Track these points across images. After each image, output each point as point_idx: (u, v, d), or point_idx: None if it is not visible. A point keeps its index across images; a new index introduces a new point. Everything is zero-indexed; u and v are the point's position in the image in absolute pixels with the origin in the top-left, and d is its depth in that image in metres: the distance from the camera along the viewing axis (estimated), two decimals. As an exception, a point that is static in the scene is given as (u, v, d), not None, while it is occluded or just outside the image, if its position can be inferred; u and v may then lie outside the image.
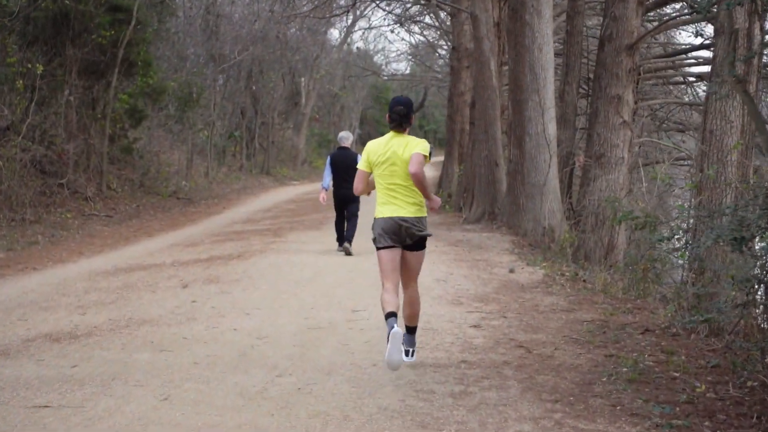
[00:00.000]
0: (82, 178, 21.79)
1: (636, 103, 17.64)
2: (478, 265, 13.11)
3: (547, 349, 7.70)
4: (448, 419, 5.72)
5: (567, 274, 12.27)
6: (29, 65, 19.85)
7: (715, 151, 12.48)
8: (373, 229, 7.07)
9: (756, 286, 6.90)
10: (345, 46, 53.69)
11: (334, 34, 57.75)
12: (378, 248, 7.04)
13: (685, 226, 11.30)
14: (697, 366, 7.06)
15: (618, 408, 5.95)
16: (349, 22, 47.38)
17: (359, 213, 14.62)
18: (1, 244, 15.31)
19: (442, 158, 33.94)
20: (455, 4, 25.03)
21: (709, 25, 18.06)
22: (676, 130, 25.01)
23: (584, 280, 11.75)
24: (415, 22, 39.34)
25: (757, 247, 7.58)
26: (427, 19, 38.43)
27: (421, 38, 47.48)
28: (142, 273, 12.48)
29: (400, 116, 7.04)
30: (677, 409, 5.92)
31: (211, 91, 33.66)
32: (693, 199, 12.85)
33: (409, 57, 58.12)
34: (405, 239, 6.97)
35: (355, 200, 14.48)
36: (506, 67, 20.84)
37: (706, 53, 21.59)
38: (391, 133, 7.12)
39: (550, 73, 17.65)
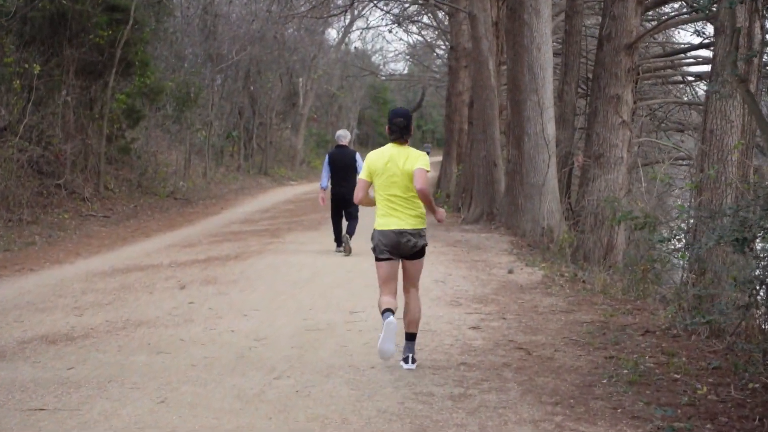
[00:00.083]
0: (79, 178, 21.72)
1: (635, 102, 17.61)
2: (476, 266, 13.06)
3: (546, 351, 7.65)
4: (447, 422, 5.67)
5: (566, 274, 12.22)
6: (26, 65, 19.77)
7: (715, 150, 12.44)
8: (372, 239, 7.18)
9: (758, 288, 6.84)
10: (343, 46, 53.66)
11: (332, 34, 57.71)
12: (377, 259, 7.18)
13: (684, 226, 11.24)
14: (698, 368, 7.02)
15: (619, 410, 5.90)
16: (347, 22, 47.41)
17: (359, 214, 14.54)
18: (-3, 245, 15.27)
19: (440, 158, 33.89)
20: (453, 4, 24.98)
21: (709, 25, 18.00)
22: (675, 129, 24.97)
23: (583, 281, 11.71)
24: (413, 22, 39.30)
25: (758, 247, 7.55)
26: (425, 19, 38.41)
27: (419, 38, 47.50)
28: (140, 274, 12.43)
29: (401, 128, 7.15)
30: (678, 411, 5.87)
31: (208, 91, 33.59)
32: (693, 200, 12.80)
33: (407, 57, 58.13)
34: (404, 252, 7.11)
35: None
36: (505, 67, 20.82)
37: (705, 53, 21.58)
38: (390, 144, 7.21)
39: (549, 72, 17.61)
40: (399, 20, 35.47)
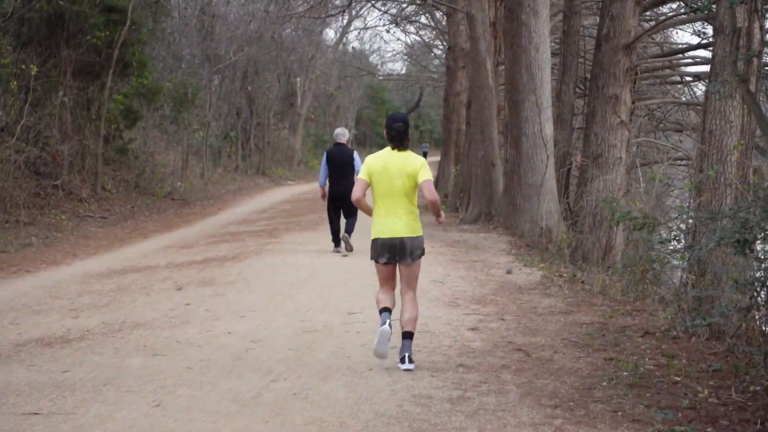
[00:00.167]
0: (76, 179, 21.65)
1: (633, 102, 17.56)
2: (475, 267, 13.01)
3: (546, 353, 7.60)
4: (446, 425, 5.62)
5: (565, 275, 12.17)
6: (23, 66, 19.70)
7: (714, 151, 12.39)
8: (371, 248, 7.38)
9: (759, 290, 6.79)
10: (340, 47, 53.59)
11: (330, 34, 57.55)
12: (376, 262, 7.38)
13: (683, 227, 11.19)
14: (698, 370, 6.97)
15: (619, 414, 5.85)
16: (345, 22, 47.29)
17: (358, 213, 14.49)
18: (-6, 246, 15.21)
19: (438, 158, 33.83)
20: (451, 4, 24.92)
21: (708, 25, 17.97)
22: (673, 130, 24.92)
23: (582, 282, 11.66)
24: (411, 22, 39.23)
25: (758, 248, 7.50)
26: (423, 19, 38.34)
27: (417, 38, 47.37)
28: (136, 275, 12.37)
29: (400, 133, 7.29)
30: (679, 414, 5.83)
31: (206, 92, 33.53)
32: (692, 200, 12.76)
33: (405, 57, 58.03)
34: (401, 256, 7.28)
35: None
36: (502, 67, 20.74)
37: (704, 53, 21.54)
38: (389, 149, 7.36)
39: (547, 72, 17.56)
40: (397, 20, 35.41)
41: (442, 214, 7.65)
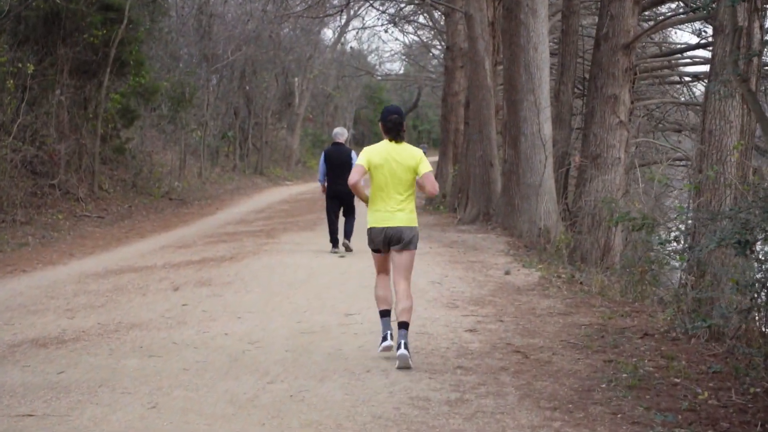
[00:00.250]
0: (73, 178, 21.60)
1: (632, 102, 17.51)
2: (473, 267, 12.96)
3: (544, 354, 7.54)
4: (444, 428, 5.57)
5: (563, 276, 12.11)
6: (20, 65, 19.65)
7: (714, 151, 12.35)
8: (368, 236, 7.53)
9: (759, 291, 6.74)
10: (338, 46, 53.57)
11: (328, 34, 57.51)
12: (373, 250, 7.59)
13: (683, 227, 11.14)
14: (698, 372, 6.92)
15: (619, 416, 5.80)
16: (343, 21, 47.24)
17: (356, 213, 14.49)
18: (-10, 246, 15.15)
19: (436, 158, 33.80)
20: (449, 4, 24.89)
21: (707, 24, 17.92)
22: (672, 130, 24.88)
23: (581, 283, 11.61)
24: (409, 22, 39.19)
25: (757, 248, 7.45)
26: (421, 19, 38.31)
27: (415, 38, 47.38)
28: (133, 275, 12.32)
29: (396, 125, 7.41)
30: (679, 416, 5.78)
31: (204, 91, 33.49)
32: (692, 201, 12.71)
33: (403, 57, 57.99)
34: (395, 243, 7.38)
35: (352, 197, 14.23)
36: (501, 67, 20.70)
37: (703, 53, 21.51)
38: (386, 141, 7.45)
39: (546, 72, 17.51)
40: (395, 20, 35.37)
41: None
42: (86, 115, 22.81)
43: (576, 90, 22.22)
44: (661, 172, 15.79)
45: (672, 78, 23.71)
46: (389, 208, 7.33)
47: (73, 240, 17.03)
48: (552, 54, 21.01)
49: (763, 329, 7.63)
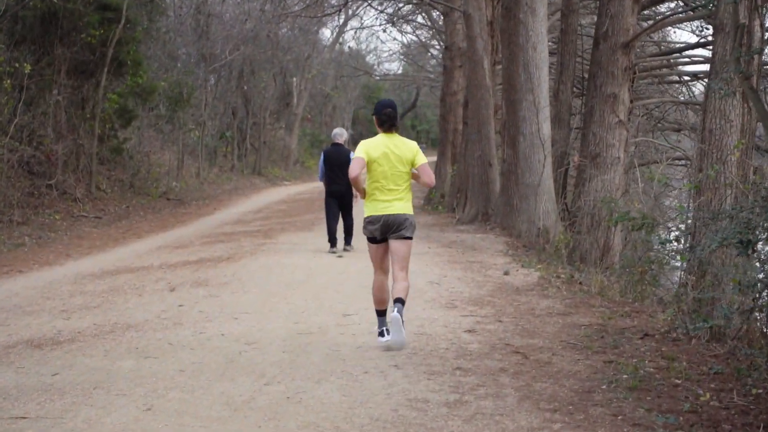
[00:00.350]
0: (71, 178, 21.55)
1: (631, 102, 17.46)
2: (472, 267, 12.89)
3: (544, 355, 7.47)
4: (442, 430, 5.50)
5: (562, 276, 12.05)
6: (17, 64, 19.58)
7: (714, 150, 12.29)
8: (364, 227, 7.73)
9: (761, 291, 6.67)
10: (337, 46, 53.49)
11: (326, 33, 57.58)
12: (369, 241, 7.74)
13: (683, 227, 11.09)
14: (699, 373, 6.84)
15: (619, 418, 5.73)
16: (341, 21, 47.20)
17: (353, 212, 14.49)
18: (-14, 247, 15.09)
19: (434, 158, 33.75)
20: (448, 3, 24.83)
21: (706, 23, 17.87)
22: (672, 129, 24.83)
23: (580, 283, 11.54)
24: (408, 22, 39.16)
25: (759, 249, 7.38)
26: (420, 19, 38.27)
27: (414, 38, 47.33)
28: (130, 276, 12.25)
29: (390, 117, 7.60)
30: (681, 418, 5.70)
31: (202, 91, 33.43)
32: (692, 200, 12.65)
33: (402, 57, 57.96)
34: (393, 231, 7.57)
35: (351, 196, 14.26)
36: (500, 66, 20.64)
37: (702, 52, 21.46)
38: (381, 135, 7.65)
39: (545, 72, 17.44)
40: (393, 20, 35.33)
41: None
42: (83, 115, 22.75)
43: (575, 89, 22.16)
44: (661, 171, 15.75)
45: (671, 77, 23.65)
46: (387, 198, 7.52)
47: (70, 240, 16.97)
48: (551, 53, 20.95)
49: (765, 330, 7.57)
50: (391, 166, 7.48)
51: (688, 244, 9.94)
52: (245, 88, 39.62)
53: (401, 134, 7.78)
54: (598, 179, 16.34)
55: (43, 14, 20.61)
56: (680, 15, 20.37)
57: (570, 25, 20.16)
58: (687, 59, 23.28)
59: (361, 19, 72.83)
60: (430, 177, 7.55)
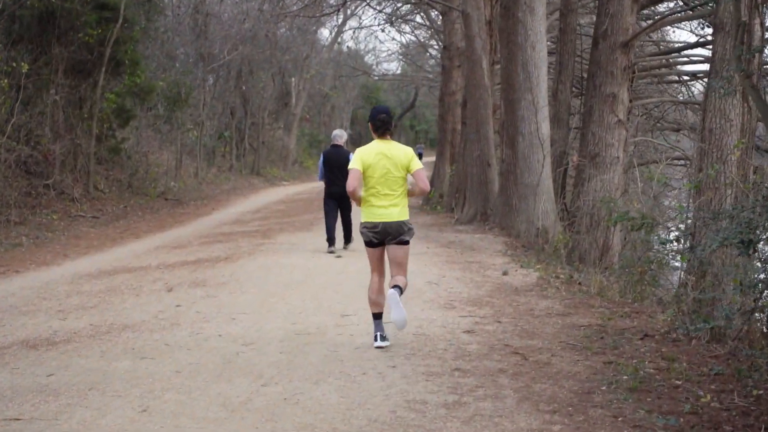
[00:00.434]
0: (68, 178, 21.50)
1: (631, 101, 17.41)
2: (470, 267, 12.84)
3: (543, 356, 7.42)
4: (441, 432, 5.45)
5: (562, 276, 12.00)
6: (14, 64, 19.54)
7: (714, 150, 12.24)
8: (361, 232, 7.81)
9: (763, 292, 6.62)
10: (335, 46, 53.48)
11: (324, 33, 57.50)
12: (367, 245, 7.83)
13: (682, 227, 11.03)
14: (699, 373, 6.79)
15: (620, 419, 5.68)
16: (340, 21, 47.18)
17: (352, 214, 14.47)
18: (-17, 247, 15.03)
19: (433, 158, 33.72)
20: (446, 2, 24.79)
21: (705, 22, 17.83)
22: (671, 129, 24.80)
23: (579, 283, 11.49)
24: (406, 22, 39.14)
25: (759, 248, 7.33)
26: (418, 18, 38.25)
27: (412, 38, 47.35)
28: (127, 276, 12.20)
29: (385, 123, 7.73)
30: (681, 420, 5.65)
31: (200, 91, 33.39)
32: (692, 200, 12.60)
33: (400, 57, 57.98)
34: (390, 238, 7.69)
35: (349, 198, 14.29)
36: (498, 66, 20.60)
37: (701, 51, 21.42)
38: (376, 141, 7.76)
39: (544, 71, 17.40)
40: (392, 20, 35.30)
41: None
42: (81, 115, 22.70)
43: (574, 89, 22.13)
44: (660, 171, 15.68)
45: (670, 77, 23.62)
46: (383, 204, 7.61)
47: (68, 240, 16.91)
48: (550, 53, 20.94)
49: (766, 330, 7.52)
50: (386, 171, 7.58)
51: (688, 244, 9.88)
52: (244, 88, 39.59)
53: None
54: (597, 179, 16.30)
55: (41, 13, 20.57)
56: (679, 14, 20.30)
57: (569, 25, 20.11)
58: (686, 59, 23.25)
59: (360, 18, 72.89)
60: (425, 183, 7.64)
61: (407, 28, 43.23)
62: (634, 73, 17.41)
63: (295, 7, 32.79)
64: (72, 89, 22.39)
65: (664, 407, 5.93)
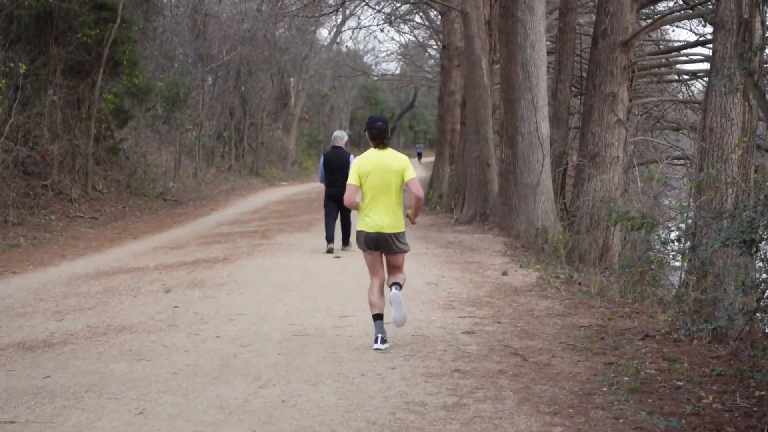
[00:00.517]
0: (66, 179, 21.44)
1: (630, 101, 17.36)
2: (470, 268, 12.79)
3: (543, 357, 7.37)
4: (440, 434, 5.40)
5: (561, 276, 11.95)
6: (12, 64, 19.48)
7: (715, 149, 12.19)
8: (357, 239, 7.95)
9: (765, 292, 6.57)
10: (334, 46, 53.42)
11: (323, 33, 57.43)
12: (364, 250, 7.94)
13: (683, 227, 10.98)
14: (701, 374, 6.74)
15: (621, 421, 5.63)
16: (339, 21, 47.14)
17: (352, 215, 14.45)
18: (-20, 248, 14.98)
19: (432, 159, 33.69)
20: (445, 2, 24.75)
21: (705, 22, 17.77)
22: (671, 128, 24.75)
23: (579, 283, 11.44)
24: (405, 21, 39.12)
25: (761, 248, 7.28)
26: (417, 18, 38.23)
27: (411, 38, 47.37)
28: (125, 276, 12.14)
29: (381, 132, 7.83)
30: (683, 421, 5.60)
31: (199, 91, 33.34)
32: (692, 199, 12.54)
33: (399, 57, 57.96)
34: (386, 250, 7.85)
35: None
36: (498, 66, 20.55)
37: (701, 50, 21.37)
38: (372, 149, 7.87)
39: (543, 71, 17.36)
40: (391, 20, 35.27)
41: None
42: (79, 116, 22.65)
43: (573, 88, 22.09)
44: (660, 170, 15.63)
45: (670, 76, 23.58)
46: (379, 212, 7.71)
47: (66, 241, 16.86)
48: (549, 52, 20.89)
49: (767, 330, 7.47)
50: (381, 179, 7.68)
51: (689, 244, 9.83)
52: (242, 88, 39.55)
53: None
54: (597, 179, 16.25)
55: (39, 14, 20.52)
56: (679, 13, 20.25)
57: (568, 24, 20.07)
58: (686, 58, 23.21)
59: (359, 18, 72.78)
60: (419, 191, 7.78)
61: (406, 28, 43.26)
62: (633, 72, 17.36)
63: (293, 7, 32.82)
64: (70, 90, 22.33)
65: (665, 408, 5.88)
